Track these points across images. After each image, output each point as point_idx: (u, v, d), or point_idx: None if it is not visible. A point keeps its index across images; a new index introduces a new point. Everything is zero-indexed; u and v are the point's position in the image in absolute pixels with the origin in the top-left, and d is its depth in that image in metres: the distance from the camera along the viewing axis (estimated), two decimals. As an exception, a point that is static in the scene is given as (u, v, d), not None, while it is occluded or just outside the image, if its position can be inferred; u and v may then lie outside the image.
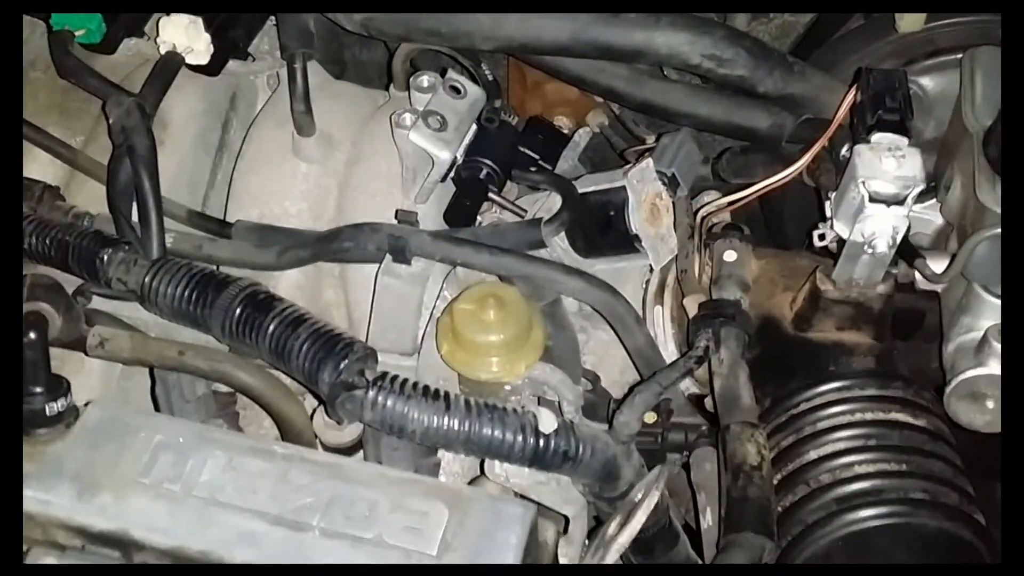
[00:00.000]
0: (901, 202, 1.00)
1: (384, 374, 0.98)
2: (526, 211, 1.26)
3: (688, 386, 1.23)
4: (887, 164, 1.00)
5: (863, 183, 1.00)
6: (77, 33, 1.24)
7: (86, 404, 0.99)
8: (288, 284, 1.24)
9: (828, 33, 1.41)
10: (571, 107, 1.51)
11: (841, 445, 1.04)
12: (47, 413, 0.95)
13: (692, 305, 1.16)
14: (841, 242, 1.09)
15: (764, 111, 1.25)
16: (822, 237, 1.11)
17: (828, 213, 1.09)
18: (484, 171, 1.24)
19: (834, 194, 1.07)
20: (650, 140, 1.45)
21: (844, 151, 1.12)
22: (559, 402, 1.12)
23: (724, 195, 1.26)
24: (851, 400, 1.07)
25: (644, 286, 1.28)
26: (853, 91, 1.10)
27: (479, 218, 1.26)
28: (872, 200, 1.00)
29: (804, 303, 1.12)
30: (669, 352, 1.23)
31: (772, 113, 1.24)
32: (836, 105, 1.17)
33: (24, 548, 0.88)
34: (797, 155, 1.16)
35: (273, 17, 1.33)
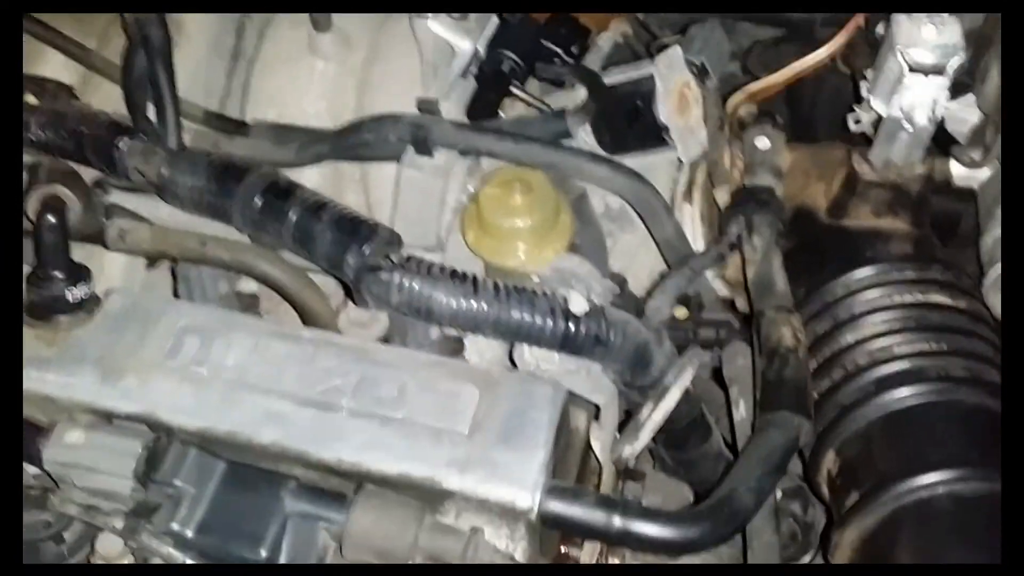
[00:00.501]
0: (941, 71, 0.96)
1: (410, 257, 0.96)
2: (550, 106, 1.23)
3: (719, 288, 1.20)
4: (926, 32, 0.96)
5: (902, 52, 0.96)
6: (87, -72, 1.21)
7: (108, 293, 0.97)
8: (308, 187, 1.22)
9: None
10: (593, 18, 1.47)
11: (879, 328, 1.01)
12: (68, 299, 0.93)
13: (723, 195, 1.13)
14: (878, 124, 1.05)
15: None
16: (857, 121, 1.07)
17: (864, 94, 1.05)
18: (507, 64, 1.21)
19: (870, 71, 1.03)
20: (670, 39, 1.42)
21: (880, 28, 1.07)
22: (587, 294, 1.10)
23: (754, 89, 1.22)
24: (888, 283, 1.04)
25: (672, 184, 1.25)
26: (889, -32, 1.06)
27: (501, 114, 1.23)
28: (912, 70, 0.96)
29: (840, 189, 1.09)
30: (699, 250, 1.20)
31: (805, -7, 1.20)
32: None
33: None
34: (830, 38, 1.12)
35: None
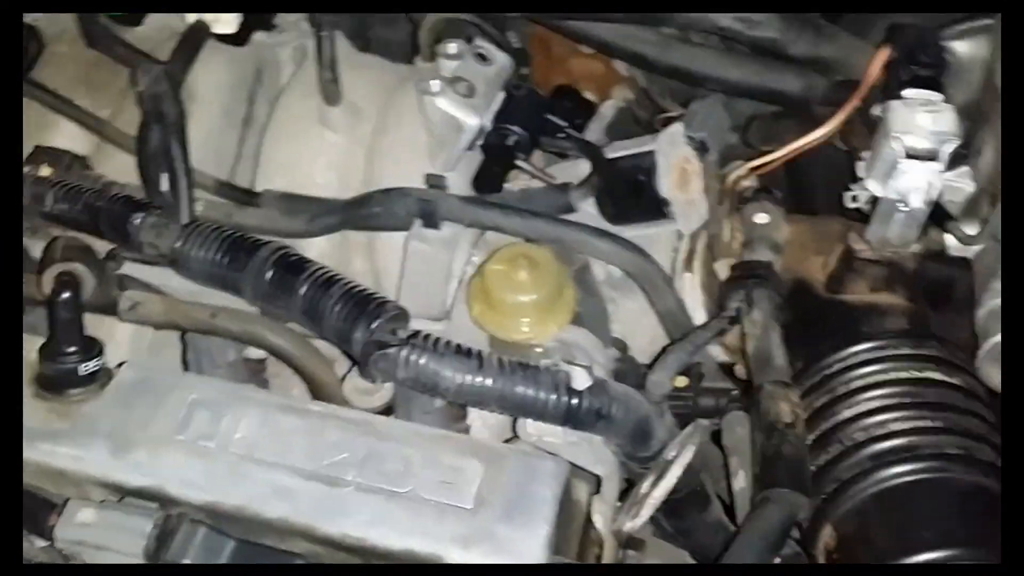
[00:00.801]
0: (936, 157, 0.99)
1: (417, 332, 0.98)
2: (555, 178, 1.26)
3: (717, 354, 1.22)
4: (921, 119, 0.99)
5: (897, 139, 0.99)
6: (104, 4, 1.24)
7: (119, 365, 0.99)
8: (315, 254, 1.23)
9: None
10: (596, 82, 1.50)
11: (875, 403, 1.03)
12: (80, 373, 0.95)
13: (723, 268, 1.16)
14: (874, 203, 1.08)
15: (795, 74, 1.24)
16: (855, 199, 1.10)
17: (860, 173, 1.08)
18: (512, 138, 1.23)
19: (867, 153, 1.06)
20: (674, 111, 1.45)
21: (876, 111, 1.10)
22: (590, 365, 1.12)
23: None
24: (885, 359, 1.05)
25: (673, 254, 1.27)
26: (885, 49, 1.09)
27: (507, 185, 1.26)
28: (907, 156, 0.99)
29: (837, 264, 1.11)
30: (699, 320, 1.22)
31: (803, 75, 1.24)
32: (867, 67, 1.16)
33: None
34: (829, 116, 1.15)
35: (300, -13, 1.33)
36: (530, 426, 1.01)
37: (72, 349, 0.95)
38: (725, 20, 1.19)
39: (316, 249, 1.25)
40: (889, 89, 1.06)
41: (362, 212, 1.17)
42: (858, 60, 1.21)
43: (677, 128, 1.21)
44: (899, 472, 0.97)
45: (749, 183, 1.24)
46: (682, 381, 1.15)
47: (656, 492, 0.93)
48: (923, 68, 1.03)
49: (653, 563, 0.95)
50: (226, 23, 1.24)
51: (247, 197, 1.22)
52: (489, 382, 0.96)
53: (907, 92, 1.02)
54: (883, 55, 1.09)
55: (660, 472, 0.98)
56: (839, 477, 1.00)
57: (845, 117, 1.13)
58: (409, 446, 0.93)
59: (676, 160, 1.20)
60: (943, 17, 1.29)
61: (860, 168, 1.08)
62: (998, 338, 1.06)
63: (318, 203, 1.21)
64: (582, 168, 1.27)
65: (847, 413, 1.03)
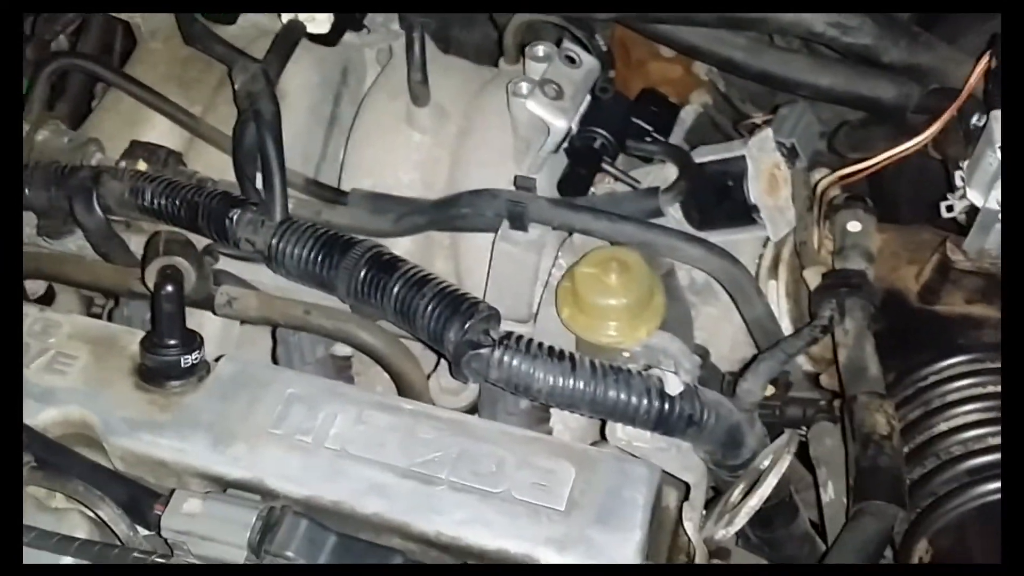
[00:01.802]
0: (1041, 167, 0.97)
1: (509, 333, 0.99)
2: (640, 182, 1.25)
3: (803, 363, 1.21)
4: (1026, 128, 0.97)
5: (1000, 149, 0.98)
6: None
7: (217, 359, 1.01)
8: (399, 253, 1.25)
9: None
10: (674, 86, 1.50)
11: (971, 417, 1.01)
12: (181, 365, 0.97)
13: (812, 277, 1.14)
14: (971, 213, 1.06)
15: (889, 81, 1.23)
16: (950, 208, 1.08)
17: (958, 183, 1.07)
18: (598, 141, 1.23)
19: (967, 163, 1.04)
20: (757, 117, 1.44)
21: (975, 120, 1.09)
22: (676, 371, 1.11)
23: (839, 169, 1.23)
24: (981, 372, 1.04)
25: (758, 260, 1.27)
26: (985, 58, 1.07)
27: (591, 189, 1.25)
28: (1010, 165, 0.97)
29: (932, 274, 1.09)
30: (784, 327, 1.21)
31: (898, 83, 1.22)
32: (961, 76, 1.14)
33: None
34: (923, 125, 1.13)
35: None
36: (620, 430, 1.01)
37: (174, 342, 0.96)
38: (819, 25, 1.17)
39: (400, 249, 1.24)
40: (991, 98, 1.04)
41: (451, 212, 1.17)
42: (954, 69, 1.20)
43: (767, 134, 1.19)
44: (998, 488, 0.95)
45: (836, 191, 1.23)
46: (769, 390, 1.14)
47: (751, 501, 0.93)
48: (1028, 77, 1.00)
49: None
50: (320, 23, 1.25)
51: (335, 195, 1.23)
52: (581, 385, 0.96)
53: (1011, 101, 1.00)
54: (984, 64, 1.07)
55: (752, 481, 0.97)
56: (935, 491, 0.99)
57: (942, 125, 1.11)
58: (501, 447, 0.94)
59: (766, 166, 1.19)
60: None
61: (958, 178, 1.07)
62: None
63: (405, 203, 1.22)
64: (666, 172, 1.27)
65: (943, 426, 1.02)
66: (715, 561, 1.05)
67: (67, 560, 0.84)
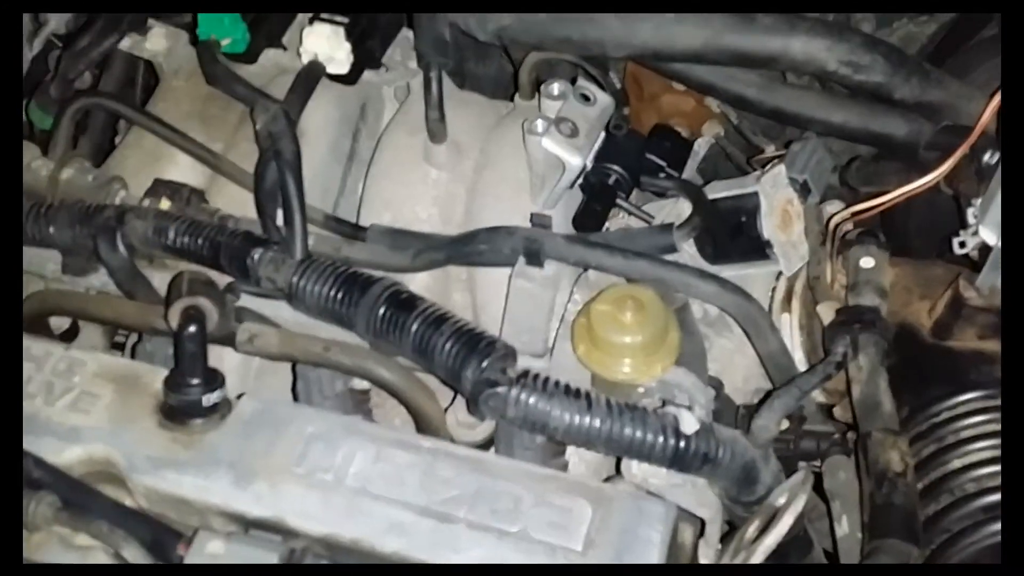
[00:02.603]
0: (1053, 207, 0.98)
1: (526, 371, 1.00)
2: (653, 217, 1.27)
3: (817, 395, 1.22)
4: (1038, 168, 0.98)
5: (1013, 187, 0.99)
6: (223, 43, 1.29)
7: (238, 396, 1.03)
8: (417, 287, 1.26)
9: (959, 43, 1.39)
10: (687, 119, 1.51)
11: (986, 454, 1.02)
12: (203, 404, 0.99)
13: (826, 312, 1.16)
14: (983, 250, 1.07)
15: (901, 118, 1.24)
16: (963, 244, 1.09)
17: (970, 220, 1.08)
18: (613, 177, 1.25)
19: (979, 200, 1.05)
20: (769, 149, 1.45)
21: (988, 157, 1.10)
22: (690, 406, 1.12)
23: (850, 203, 1.25)
24: (994, 409, 1.04)
25: (770, 293, 1.28)
26: (998, 95, 1.08)
27: (606, 224, 1.27)
28: (1023, 205, 0.98)
29: (945, 310, 1.10)
30: (797, 360, 1.22)
31: (909, 120, 1.23)
32: (973, 112, 1.16)
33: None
34: (935, 162, 1.15)
35: (406, 29, 1.37)
36: (635, 467, 1.02)
37: (196, 381, 0.98)
38: (832, 63, 1.19)
39: (418, 283, 1.27)
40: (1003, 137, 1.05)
41: (468, 249, 1.19)
42: (965, 106, 1.21)
43: (780, 170, 1.21)
44: (1013, 526, 0.96)
45: (848, 226, 1.24)
46: (783, 423, 1.15)
47: (768, 539, 0.93)
48: (1040, 116, 1.01)
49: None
50: (339, 64, 1.27)
51: (354, 231, 1.25)
52: (597, 423, 0.97)
53: (1023, 140, 1.01)
54: (996, 101, 1.08)
55: (768, 517, 0.98)
56: (949, 528, 0.99)
57: (954, 162, 1.12)
58: (519, 485, 0.95)
59: (779, 202, 1.20)
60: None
61: (970, 215, 1.08)
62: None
63: (424, 239, 1.23)
64: (680, 207, 1.28)
65: (957, 463, 1.02)
66: (731, 597, 1.05)
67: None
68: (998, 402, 1.05)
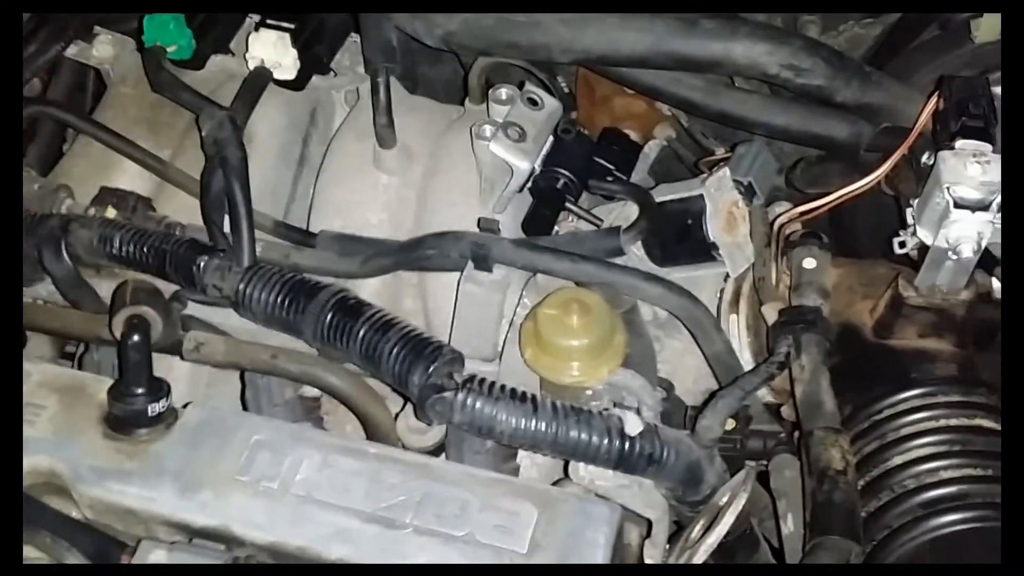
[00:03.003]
0: (986, 207, 1.00)
1: (472, 376, 1.01)
2: (602, 220, 1.28)
3: (764, 395, 1.24)
4: (972, 170, 1.01)
5: (948, 189, 1.01)
6: (169, 49, 1.28)
7: (184, 405, 1.02)
8: (368, 293, 1.27)
9: (901, 45, 1.41)
10: (639, 121, 1.53)
11: (925, 451, 1.04)
12: (148, 413, 0.98)
13: (771, 312, 1.17)
14: (923, 249, 1.09)
15: (842, 120, 1.26)
16: (903, 244, 1.11)
17: (909, 220, 1.09)
18: (561, 181, 1.26)
19: (916, 201, 1.07)
20: (719, 151, 1.47)
21: (925, 159, 1.12)
22: (638, 407, 1.13)
23: (797, 204, 1.26)
24: (934, 406, 1.07)
25: (719, 295, 1.29)
26: (934, 98, 1.10)
27: (556, 227, 1.28)
28: (957, 206, 1.00)
29: (885, 310, 1.12)
30: (745, 360, 1.24)
31: (850, 122, 1.25)
32: (913, 114, 1.18)
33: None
34: (876, 163, 1.16)
35: (355, 33, 1.37)
36: (582, 469, 1.03)
37: (141, 391, 0.97)
38: (773, 67, 1.20)
39: (369, 288, 1.27)
40: (939, 139, 1.07)
41: (416, 254, 1.19)
42: (905, 107, 1.23)
43: (725, 173, 1.22)
44: (950, 521, 0.98)
45: (795, 227, 1.26)
46: (729, 424, 1.16)
47: (709, 539, 0.95)
48: (972, 119, 1.04)
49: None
50: (286, 69, 1.27)
51: (304, 238, 1.25)
52: (543, 426, 0.98)
53: (958, 143, 1.03)
54: (932, 105, 1.10)
55: (712, 516, 0.99)
56: (889, 524, 1.01)
57: (893, 164, 1.14)
58: (465, 489, 0.95)
59: (724, 204, 1.21)
60: (990, 64, 1.31)
61: (909, 215, 1.10)
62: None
63: (373, 244, 1.24)
64: (629, 210, 1.29)
65: (897, 460, 1.04)
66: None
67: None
68: (937, 399, 1.08)
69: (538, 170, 1.25)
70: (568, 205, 1.26)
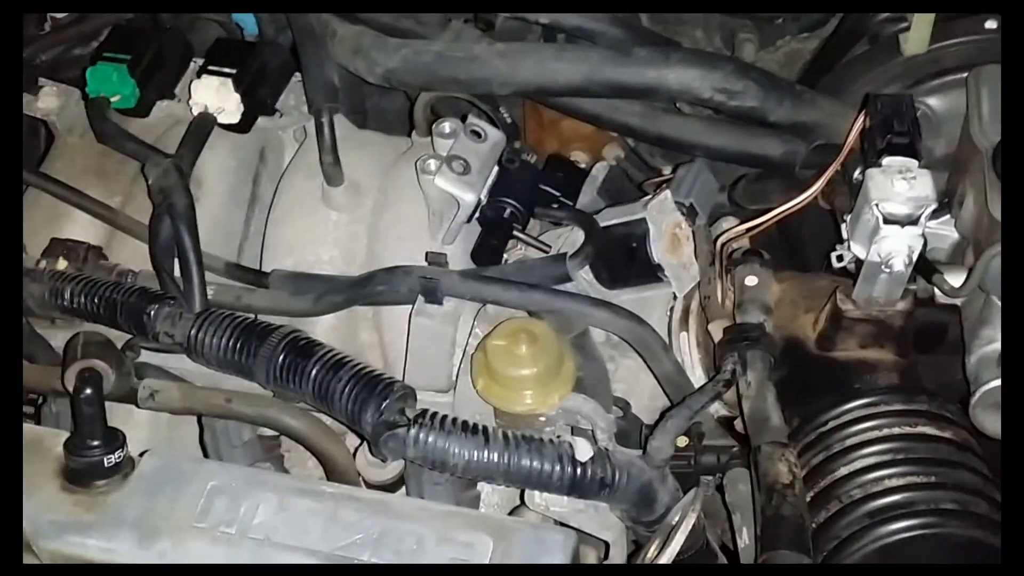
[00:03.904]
0: (915, 222, 1.03)
1: (424, 411, 1.03)
2: (550, 246, 1.30)
3: (717, 409, 1.26)
4: (899, 186, 1.03)
5: (876, 206, 1.04)
6: (113, 99, 1.30)
7: (141, 454, 1.03)
8: (324, 328, 1.28)
9: (834, 59, 1.45)
10: (587, 142, 1.55)
11: (870, 460, 1.06)
12: (105, 465, 0.99)
13: (717, 330, 1.20)
14: (859, 263, 1.12)
15: (776, 139, 1.29)
16: (840, 258, 1.14)
17: (844, 235, 1.12)
18: (508, 210, 1.28)
19: (849, 216, 1.10)
20: (666, 170, 1.49)
21: (856, 174, 1.15)
22: (592, 430, 1.16)
23: (741, 221, 1.29)
24: (877, 416, 1.09)
25: (669, 313, 1.32)
26: (862, 116, 1.14)
27: (505, 255, 1.30)
28: (886, 222, 1.03)
29: (827, 323, 1.15)
30: (697, 377, 1.26)
31: (784, 141, 1.28)
32: (846, 130, 1.21)
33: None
34: (811, 180, 1.19)
35: (299, 74, 1.39)
36: (537, 496, 1.05)
37: (96, 443, 0.98)
38: (706, 91, 1.23)
39: (325, 324, 1.28)
40: (867, 156, 1.10)
41: (366, 290, 1.21)
42: (838, 124, 1.26)
43: (666, 195, 1.25)
44: (896, 529, 1.01)
45: (739, 244, 1.29)
46: (683, 440, 1.18)
47: (661, 559, 0.97)
48: (898, 136, 1.07)
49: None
50: (231, 114, 1.29)
51: (256, 278, 1.26)
52: (495, 457, 1.00)
53: (884, 160, 1.07)
54: (859, 123, 1.13)
55: (665, 536, 1.02)
56: (838, 535, 1.03)
57: (825, 181, 1.17)
58: (421, 524, 0.97)
59: (667, 226, 1.24)
60: (922, 75, 1.35)
61: (843, 231, 1.13)
62: (989, 385, 1.09)
63: (324, 282, 1.25)
64: (576, 234, 1.32)
65: (844, 470, 1.07)
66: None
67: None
68: (881, 408, 1.10)
69: (484, 201, 1.27)
70: (516, 233, 1.29)
